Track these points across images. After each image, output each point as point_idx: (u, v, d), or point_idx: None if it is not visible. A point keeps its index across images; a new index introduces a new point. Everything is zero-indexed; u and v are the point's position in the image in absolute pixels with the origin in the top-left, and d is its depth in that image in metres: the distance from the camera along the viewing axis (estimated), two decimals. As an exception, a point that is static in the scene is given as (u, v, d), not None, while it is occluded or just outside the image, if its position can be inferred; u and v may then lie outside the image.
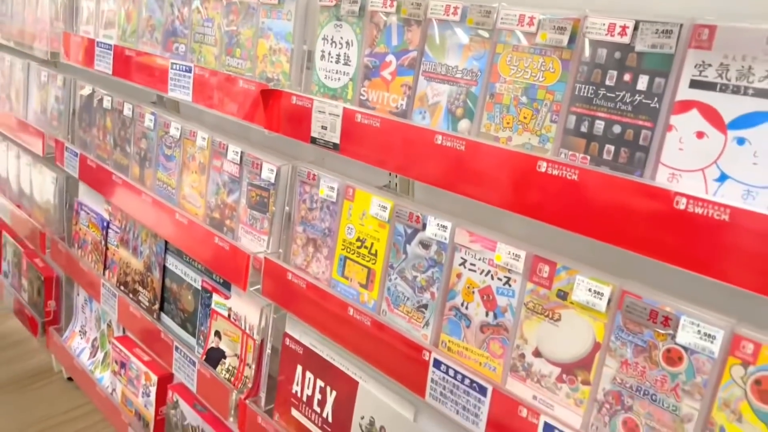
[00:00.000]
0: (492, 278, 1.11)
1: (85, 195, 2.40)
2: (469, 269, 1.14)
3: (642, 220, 0.85)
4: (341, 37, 1.33)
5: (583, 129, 0.96)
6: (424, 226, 1.20)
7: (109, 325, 2.34)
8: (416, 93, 1.19)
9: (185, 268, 1.91)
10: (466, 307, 1.15)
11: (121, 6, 2.01)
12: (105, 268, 2.27)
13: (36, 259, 2.66)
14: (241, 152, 1.61)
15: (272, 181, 1.51)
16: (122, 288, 2.17)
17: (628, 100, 0.91)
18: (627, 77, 0.91)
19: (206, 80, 1.60)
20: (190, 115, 1.97)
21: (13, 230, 2.82)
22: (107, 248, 2.26)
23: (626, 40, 0.91)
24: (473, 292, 1.14)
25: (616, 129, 0.92)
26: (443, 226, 1.16)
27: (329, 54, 1.36)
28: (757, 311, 0.85)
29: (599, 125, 0.94)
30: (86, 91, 2.24)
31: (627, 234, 0.87)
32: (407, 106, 1.21)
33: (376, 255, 1.29)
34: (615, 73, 0.92)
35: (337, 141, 1.27)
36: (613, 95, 0.92)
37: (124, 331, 2.25)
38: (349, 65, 1.32)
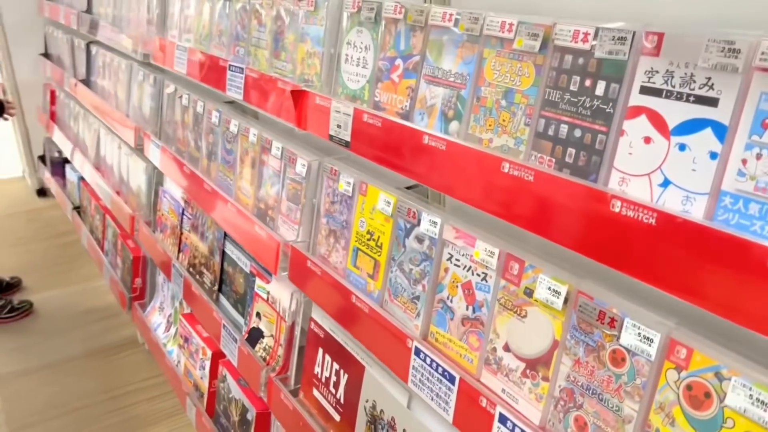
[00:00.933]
0: (472, 273, 1.15)
1: (168, 184, 2.64)
2: (454, 264, 1.19)
3: (585, 221, 0.87)
4: (361, 42, 1.42)
5: (551, 132, 0.99)
6: (419, 222, 1.26)
7: (181, 303, 2.57)
8: (417, 95, 1.26)
9: (239, 254, 2.08)
10: (451, 301, 1.20)
11: (199, 12, 2.21)
12: (179, 250, 2.50)
13: (128, 240, 2.96)
14: (282, 148, 1.74)
15: (304, 175, 1.63)
16: (191, 269, 2.38)
17: (587, 105, 0.93)
18: (588, 83, 0.93)
19: (254, 81, 1.74)
20: (265, 115, 2.13)
21: (113, 214, 3.14)
22: (182, 233, 2.49)
23: (587, 46, 0.93)
24: (457, 287, 1.19)
25: (577, 133, 0.95)
26: (434, 222, 1.22)
27: (351, 57, 1.45)
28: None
29: (563, 129, 0.97)
30: (170, 89, 2.47)
31: (574, 235, 0.90)
32: (410, 108, 1.28)
33: (381, 247, 1.37)
34: (578, 78, 0.95)
35: (349, 139, 1.36)
36: (576, 100, 0.95)
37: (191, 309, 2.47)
38: (366, 68, 1.40)
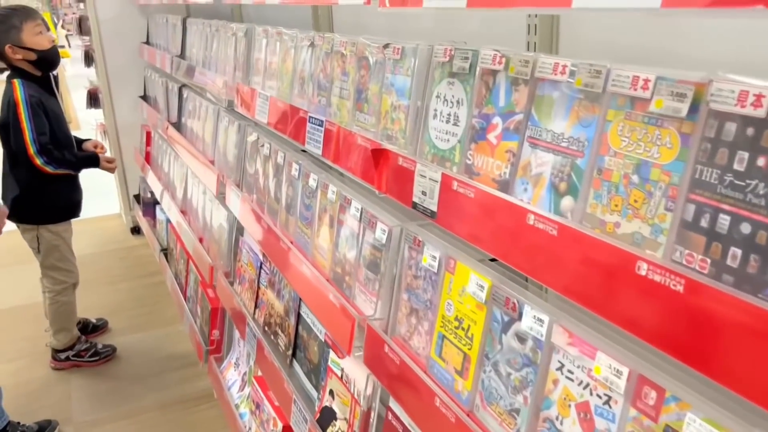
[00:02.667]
0: (591, 393, 0.90)
1: (248, 234, 2.53)
2: (567, 377, 0.94)
3: (757, 358, 0.62)
4: (452, 95, 1.22)
5: (704, 223, 0.74)
6: (520, 316, 1.03)
7: (255, 362, 2.43)
8: (520, 161, 1.04)
9: (314, 319, 1.91)
10: (561, 423, 0.95)
11: (283, 58, 2.10)
12: (256, 306, 2.36)
13: (208, 289, 2.87)
14: (361, 209, 1.56)
15: (384, 241, 1.44)
16: (266, 329, 2.23)
17: (762, 192, 0.68)
18: (762, 162, 0.68)
19: (333, 135, 1.58)
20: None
21: (195, 260, 3.08)
22: (259, 287, 2.35)
23: (762, 113, 0.68)
24: (570, 406, 0.94)
25: (745, 228, 0.70)
26: (540, 320, 0.98)
27: (441, 113, 1.25)
28: None
29: (723, 221, 0.72)
30: (253, 137, 2.37)
31: (742, 375, 0.64)
32: (510, 175, 1.06)
33: (472, 339, 1.14)
34: (747, 154, 0.70)
35: (435, 209, 1.15)
36: (743, 184, 0.70)
37: (267, 370, 2.32)
38: (458, 125, 1.20)
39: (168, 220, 3.85)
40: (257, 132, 2.38)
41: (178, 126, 3.61)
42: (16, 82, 2.89)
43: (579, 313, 0.97)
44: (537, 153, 1.00)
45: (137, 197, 4.98)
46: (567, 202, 0.94)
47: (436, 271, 1.25)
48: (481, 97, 1.14)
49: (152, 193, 4.35)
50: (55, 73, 3.10)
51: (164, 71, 3.82)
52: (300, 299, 2.02)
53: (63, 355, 3.29)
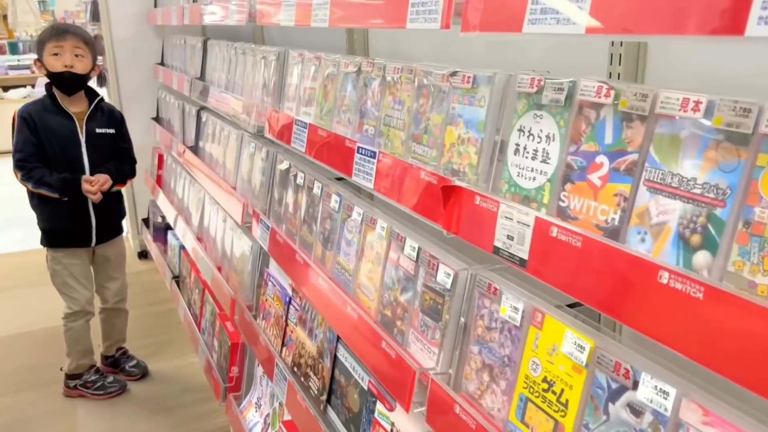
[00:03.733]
0: (734, 482, 0.77)
1: (274, 267, 2.40)
2: (699, 460, 0.81)
3: None
4: (540, 130, 1.10)
5: None
6: (635, 384, 0.90)
7: (281, 404, 2.28)
8: (634, 207, 0.92)
9: (354, 363, 1.77)
10: None
11: (321, 84, 1.99)
12: (283, 344, 2.22)
13: (227, 323, 2.73)
14: (418, 248, 1.43)
15: (448, 286, 1.31)
16: (295, 369, 2.09)
17: None
18: None
19: (389, 168, 1.46)
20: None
21: (213, 291, 2.94)
22: (287, 324, 2.22)
23: None
24: (703, 494, 0.80)
25: None
26: (663, 392, 0.85)
27: (524, 148, 1.13)
28: None
29: None
30: (284, 165, 2.25)
31: None
32: (621, 222, 0.94)
33: (566, 406, 1.01)
34: None
35: (525, 256, 1.03)
36: None
37: (293, 413, 2.17)
38: (547, 163, 1.08)
39: (181, 247, 3.72)
40: (288, 159, 2.26)
41: (195, 150, 3.50)
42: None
43: (707, 383, 0.84)
44: (658, 199, 0.88)
45: (146, 221, 4.85)
46: (702, 258, 0.82)
47: (518, 324, 1.12)
48: (580, 133, 1.02)
49: (163, 217, 4.22)
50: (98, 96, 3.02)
51: (181, 93, 3.73)
52: (337, 340, 1.88)
53: (71, 383, 3.16)
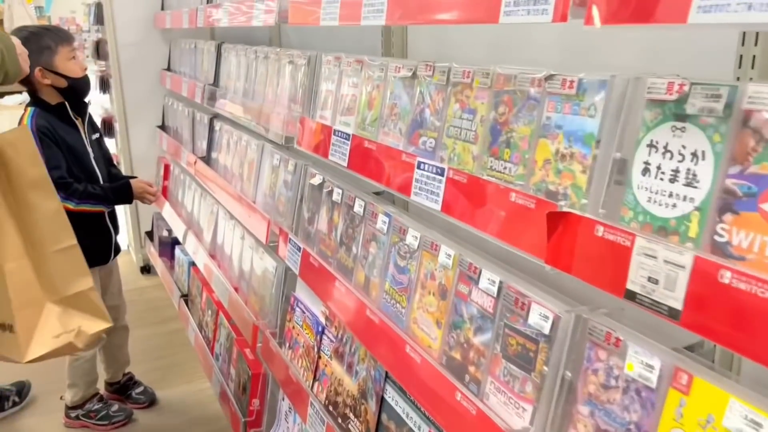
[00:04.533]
0: None
1: (303, 290, 2.18)
2: None
3: None
4: (683, 146, 0.89)
5: None
6: None
7: (311, 445, 2.05)
8: (842, 248, 0.71)
9: (408, 409, 1.55)
10: None
11: (363, 90, 1.78)
12: (314, 378, 2.00)
13: (246, 350, 2.51)
14: (500, 282, 1.22)
15: (545, 331, 1.10)
16: (330, 408, 1.87)
17: None
18: None
19: (463, 187, 1.25)
20: (425, 215, 1.64)
21: (229, 313, 2.72)
22: (319, 356, 2.00)
23: None
24: None
25: None
26: None
27: (658, 168, 0.93)
28: None
29: None
30: (316, 180, 2.04)
31: None
32: (819, 267, 0.73)
33: (732, 495, 0.80)
34: None
35: (678, 306, 0.82)
36: None
37: (326, 455, 1.95)
38: (695, 187, 0.87)
39: (190, 263, 3.49)
40: (321, 173, 2.05)
41: (207, 160, 3.28)
42: (28, 111, 2.55)
43: None
44: None
45: (150, 234, 4.62)
46: None
47: (653, 386, 0.91)
48: (747, 151, 0.81)
49: (170, 231, 4.00)
50: (87, 100, 2.76)
51: (191, 100, 3.52)
52: (384, 379, 1.66)
53: (73, 413, 2.91)
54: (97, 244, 2.73)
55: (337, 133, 1.79)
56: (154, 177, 4.55)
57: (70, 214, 2.65)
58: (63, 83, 2.53)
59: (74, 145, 2.62)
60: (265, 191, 2.51)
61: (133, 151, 4.56)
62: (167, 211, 3.95)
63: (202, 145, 3.43)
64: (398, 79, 1.61)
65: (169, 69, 4.33)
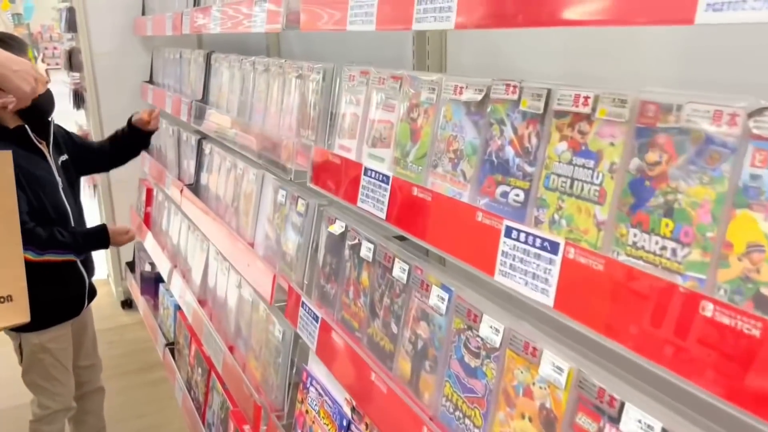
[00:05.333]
0: None
1: (317, 365, 1.73)
2: None
3: None
4: None
5: None
6: None
7: None
8: None
9: None
10: None
11: (404, 115, 1.34)
12: (337, 484, 1.55)
13: (246, 426, 2.04)
14: (662, 429, 0.78)
15: None
16: None
17: None
18: None
19: (593, 275, 0.81)
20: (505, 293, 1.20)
21: (223, 378, 2.26)
22: (344, 457, 1.55)
23: None
24: None
25: None
26: None
27: None
28: None
29: None
30: (337, 228, 1.59)
31: None
32: None
33: None
34: None
35: None
36: None
37: None
38: None
39: (177, 307, 3.03)
40: (342, 218, 1.61)
41: (195, 188, 2.83)
42: None
43: None
44: None
45: (131, 265, 4.15)
46: None
47: None
48: None
49: (153, 264, 3.53)
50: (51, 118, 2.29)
51: (176, 118, 3.06)
52: None
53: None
54: (65, 293, 2.26)
55: (369, 172, 1.35)
56: (135, 202, 4.08)
57: (30, 264, 2.18)
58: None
59: (39, 175, 2.15)
60: (267, 232, 2.06)
61: (111, 174, 4.08)
62: (150, 242, 3.49)
63: (189, 169, 2.97)
64: (459, 102, 1.18)
65: (150, 81, 3.87)
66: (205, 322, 2.43)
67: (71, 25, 3.79)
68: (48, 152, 2.21)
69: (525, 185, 1.02)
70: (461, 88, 1.17)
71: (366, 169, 1.36)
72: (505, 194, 1.05)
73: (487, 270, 0.98)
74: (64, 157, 2.32)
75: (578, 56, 1.40)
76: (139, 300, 3.70)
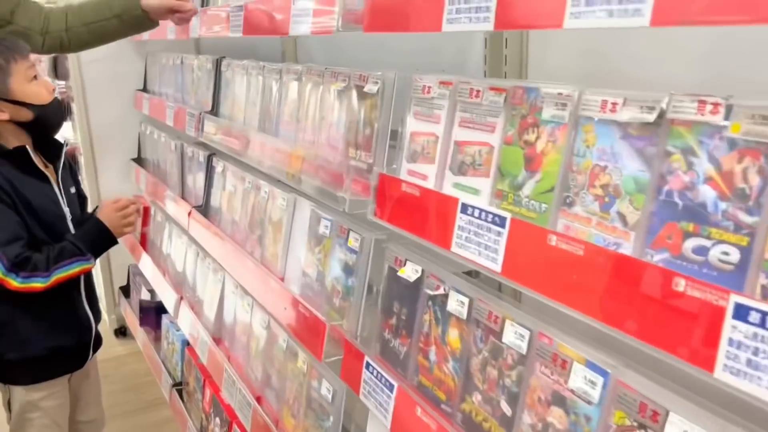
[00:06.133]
0: None
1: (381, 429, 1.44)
2: None
3: None
4: None
5: None
6: None
7: None
8: None
9: None
10: None
11: (511, 137, 1.06)
12: None
13: (283, 497, 1.74)
14: None
15: None
16: None
17: None
18: None
19: None
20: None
21: (251, 435, 1.96)
22: None
23: None
24: None
25: None
26: None
27: None
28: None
29: None
30: (410, 273, 1.30)
31: None
32: None
33: None
34: None
35: None
36: None
37: None
38: None
39: (185, 343, 2.71)
40: (412, 257, 1.32)
41: (204, 209, 2.52)
42: None
43: None
44: None
45: (125, 289, 3.81)
46: None
47: None
48: None
49: (153, 292, 3.20)
50: (62, 138, 1.97)
51: (179, 131, 2.75)
52: None
53: None
54: (66, 341, 1.93)
55: (471, 210, 1.06)
56: (130, 220, 3.75)
57: (26, 307, 1.86)
58: (27, 115, 1.76)
59: (44, 207, 1.82)
60: (303, 268, 1.76)
61: (102, 189, 3.75)
62: (147, 266, 3.16)
63: (197, 188, 2.66)
64: (610, 123, 0.89)
65: (145, 89, 3.55)
66: (225, 367, 2.12)
67: (57, 29, 3.44)
68: (56, 179, 1.89)
69: (741, 241, 0.74)
70: (615, 104, 0.89)
71: (465, 206, 1.08)
72: (701, 250, 0.77)
73: (702, 364, 0.70)
74: (73, 189, 1.99)
75: (725, 57, 1.12)
76: (137, 330, 3.37)
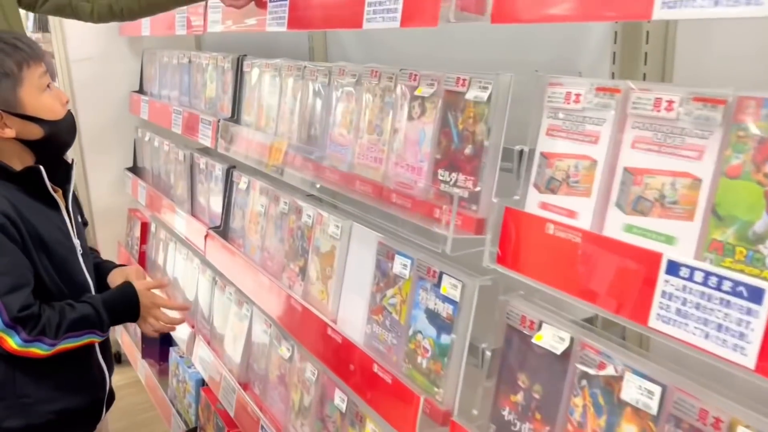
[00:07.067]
0: None
1: None
2: None
3: None
4: None
5: None
6: None
7: None
8: None
9: None
10: None
11: (736, 167, 0.75)
12: None
13: None
14: None
15: None
16: None
17: None
18: None
19: None
20: None
21: None
22: None
23: None
24: None
25: None
26: None
27: None
28: None
29: None
30: (551, 340, 0.99)
31: None
32: None
33: None
34: None
35: None
36: None
37: None
38: None
39: (200, 383, 2.36)
40: (540, 314, 1.00)
41: (223, 232, 2.18)
42: None
43: None
44: None
45: (120, 312, 3.43)
46: None
47: None
48: None
49: (156, 319, 2.84)
50: (70, 158, 1.62)
51: (187, 138, 2.40)
52: None
53: None
54: (78, 399, 1.58)
55: (687, 271, 0.75)
56: (125, 237, 3.39)
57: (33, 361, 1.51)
58: (36, 132, 1.40)
59: (53, 238, 1.46)
60: (367, 314, 1.43)
61: (93, 201, 3.36)
62: (149, 289, 2.80)
63: (210, 204, 2.32)
64: None
65: (141, 91, 3.18)
66: (262, 422, 1.78)
67: (42, 25, 3.07)
68: (65, 206, 1.54)
69: None
70: None
71: (674, 264, 0.76)
72: None
73: None
74: (80, 219, 1.65)
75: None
76: (137, 361, 3.01)
